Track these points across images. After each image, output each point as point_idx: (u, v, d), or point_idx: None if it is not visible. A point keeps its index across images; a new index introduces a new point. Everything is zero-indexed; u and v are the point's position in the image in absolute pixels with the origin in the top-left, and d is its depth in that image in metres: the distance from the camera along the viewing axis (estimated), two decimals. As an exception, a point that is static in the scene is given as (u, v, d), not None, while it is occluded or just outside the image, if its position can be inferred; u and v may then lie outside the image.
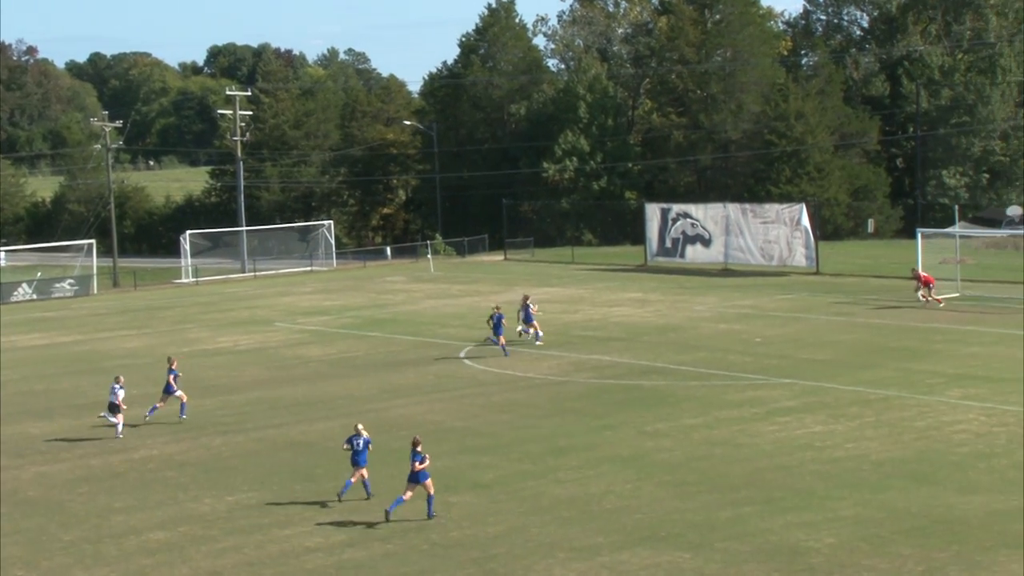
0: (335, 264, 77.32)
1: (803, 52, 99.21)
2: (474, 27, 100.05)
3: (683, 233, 65.11)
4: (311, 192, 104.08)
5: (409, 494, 22.28)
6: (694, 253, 64.47)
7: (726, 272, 61.31)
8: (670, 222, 65.75)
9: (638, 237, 74.35)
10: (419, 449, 22.45)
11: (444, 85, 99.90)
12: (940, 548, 19.47)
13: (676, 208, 66.48)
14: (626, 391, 32.68)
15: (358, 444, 23.79)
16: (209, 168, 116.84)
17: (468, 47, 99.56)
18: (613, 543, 20.44)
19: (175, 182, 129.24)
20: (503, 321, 38.95)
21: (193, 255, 75.03)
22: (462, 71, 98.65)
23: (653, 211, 67.22)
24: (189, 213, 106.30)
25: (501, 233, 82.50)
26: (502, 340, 38.71)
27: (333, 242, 79.95)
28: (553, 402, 31.33)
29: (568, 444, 27.02)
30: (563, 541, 20.66)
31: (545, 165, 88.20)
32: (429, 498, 22.28)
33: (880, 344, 38.24)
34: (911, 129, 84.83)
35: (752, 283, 56.69)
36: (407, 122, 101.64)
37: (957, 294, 48.38)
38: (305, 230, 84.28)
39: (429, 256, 75.30)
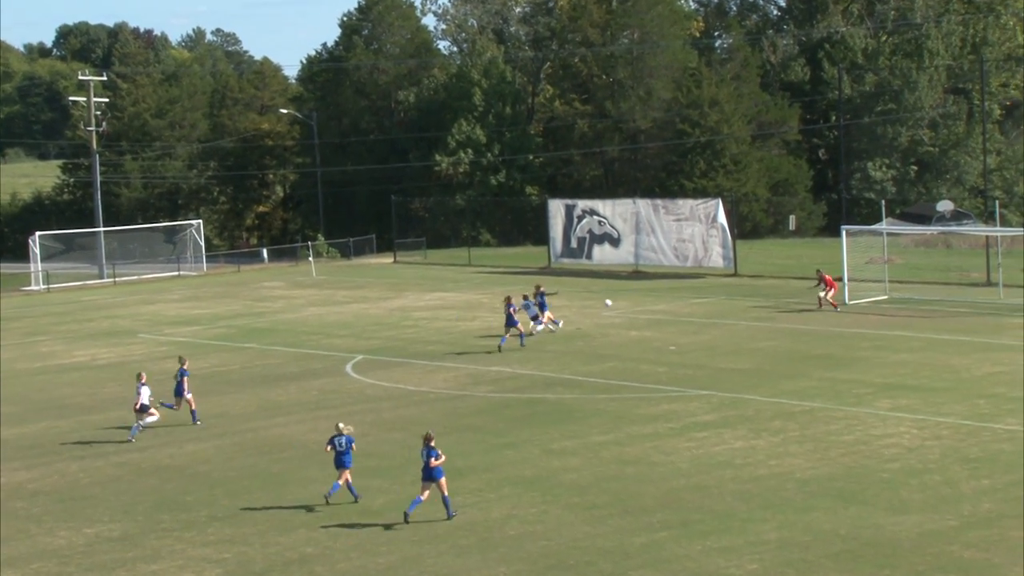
0: (205, 268, 76.48)
1: (716, 33, 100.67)
2: (356, 5, 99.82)
3: (590, 232, 65.56)
4: (177, 189, 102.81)
5: (427, 493, 23.09)
6: (602, 254, 64.94)
7: (637, 274, 61.87)
8: (575, 220, 66.16)
9: (541, 237, 74.70)
10: (432, 444, 23.22)
11: (324, 70, 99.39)
12: (870, 573, 19.82)
13: (582, 204, 66.92)
14: (529, 406, 32.76)
15: (341, 444, 24.48)
16: (61, 162, 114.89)
17: (350, 27, 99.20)
18: (517, 573, 20.48)
19: (22, 177, 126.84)
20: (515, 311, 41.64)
21: (44, 259, 73.72)
22: (344, 54, 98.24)
23: (557, 208, 67.59)
24: (39, 212, 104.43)
25: (390, 233, 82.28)
26: (521, 328, 41.49)
27: (203, 244, 79.07)
28: (449, 418, 31.31)
29: (466, 465, 27.01)
30: (461, 572, 20.65)
31: (437, 158, 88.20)
32: (444, 498, 23.14)
33: (804, 351, 38.86)
34: (834, 118, 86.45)
35: (665, 286, 57.26)
36: (284, 110, 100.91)
37: (885, 296, 49.36)
38: (171, 231, 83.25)
39: (310, 259, 74.84)
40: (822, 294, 47.00)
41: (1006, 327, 41.81)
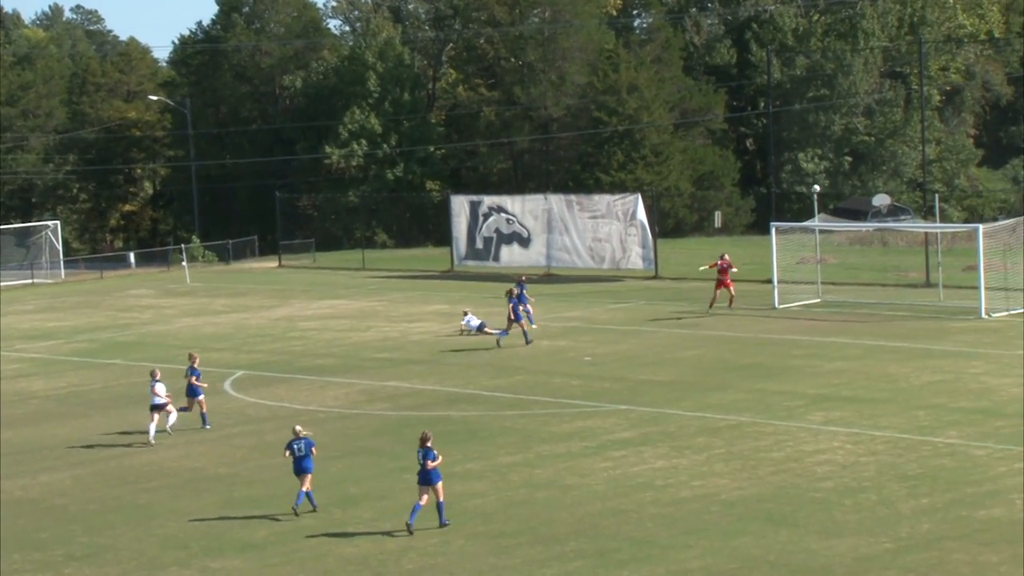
0: (63, 275, 75.52)
1: (635, 12, 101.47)
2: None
3: (497, 231, 65.72)
4: (31, 185, 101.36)
5: (425, 498, 23.85)
6: (510, 255, 65.13)
7: (549, 277, 62.14)
8: (481, 218, 66.30)
9: (443, 237, 74.76)
10: (429, 445, 23.95)
11: (199, 51, 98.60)
12: (802, 601, 20.09)
13: (488, 201, 67.08)
14: (430, 424, 32.74)
15: (300, 449, 25.10)
16: None
17: (228, 4, 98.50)
18: (416, 611, 20.46)
19: None
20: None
21: None
22: (221, 34, 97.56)
23: (460, 205, 67.68)
24: None
25: (274, 234, 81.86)
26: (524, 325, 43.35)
27: (60, 248, 78.08)
28: (340, 440, 31.22)
29: (360, 492, 26.94)
30: (354, 611, 20.58)
31: (327, 150, 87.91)
32: (439, 504, 23.91)
33: (730, 361, 39.27)
34: (762, 104, 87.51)
35: (579, 290, 57.55)
36: (153, 97, 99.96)
37: (817, 299, 50.03)
38: (24, 233, 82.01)
39: (184, 263, 74.17)
40: (718, 290, 47.35)
41: (947, 332, 42.60)
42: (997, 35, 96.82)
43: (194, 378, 33.30)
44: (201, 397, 33.46)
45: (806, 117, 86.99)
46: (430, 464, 23.84)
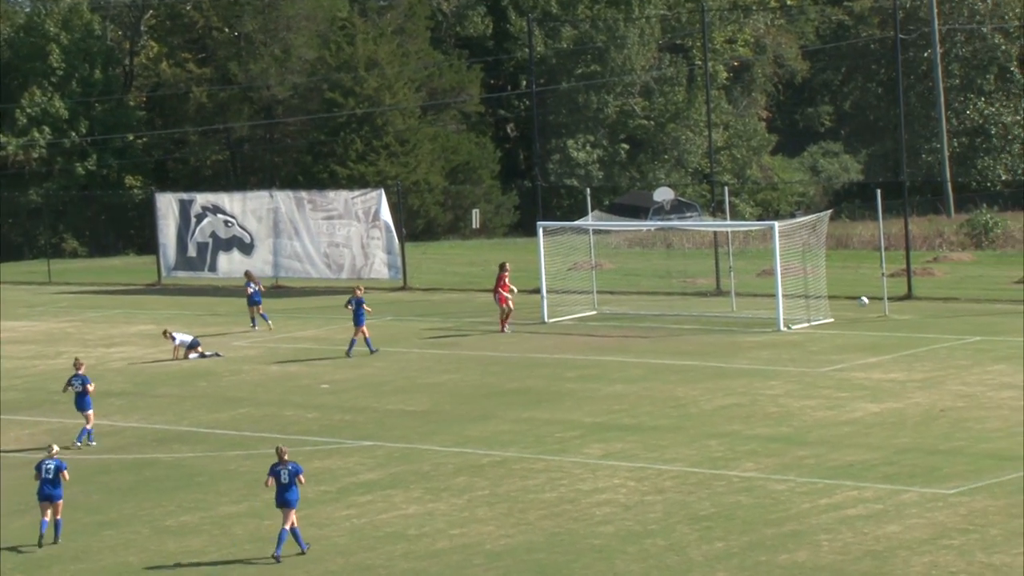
0: None
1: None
2: None
3: (213, 236, 65.02)
4: None
5: (290, 522, 25.17)
6: (230, 264, 64.44)
7: (277, 290, 61.70)
8: (194, 220, 65.50)
9: (147, 243, 73.59)
10: (286, 458, 25.36)
11: None
12: (582, 667, 20.34)
13: (202, 200, 66.32)
14: (135, 470, 32.28)
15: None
16: None
17: None
18: None
19: None
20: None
21: None
22: None
23: (168, 205, 66.74)
24: None
25: (-63, 241, 79.63)
26: (365, 331, 44.76)
27: None
28: (20, 491, 30.43)
29: (48, 554, 26.38)
30: None
31: (2, 139, 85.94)
32: (294, 530, 25.20)
33: (494, 385, 39.59)
34: (524, 83, 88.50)
35: (314, 304, 57.33)
36: None
37: (593, 311, 50.77)
38: None
39: None
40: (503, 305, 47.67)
41: (740, 347, 43.70)
42: (789, 2, 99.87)
43: (86, 387, 35.00)
44: (90, 411, 35.09)
45: (575, 98, 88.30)
46: (302, 480, 25.59)
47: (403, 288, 60.46)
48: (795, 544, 24.78)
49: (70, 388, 35.11)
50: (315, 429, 35.43)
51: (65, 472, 26.65)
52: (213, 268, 65.21)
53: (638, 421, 34.56)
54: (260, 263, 63.59)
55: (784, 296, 46.18)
